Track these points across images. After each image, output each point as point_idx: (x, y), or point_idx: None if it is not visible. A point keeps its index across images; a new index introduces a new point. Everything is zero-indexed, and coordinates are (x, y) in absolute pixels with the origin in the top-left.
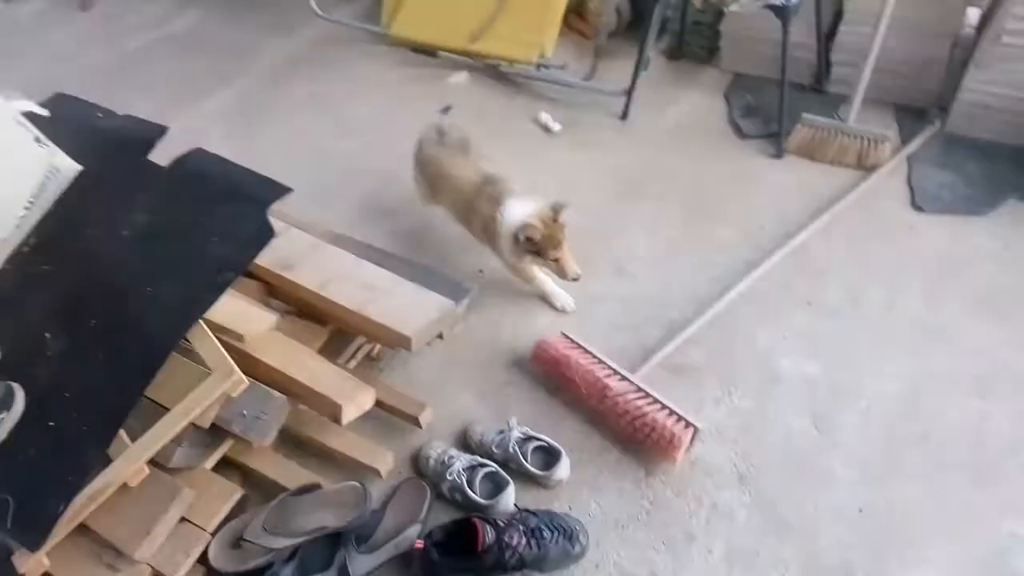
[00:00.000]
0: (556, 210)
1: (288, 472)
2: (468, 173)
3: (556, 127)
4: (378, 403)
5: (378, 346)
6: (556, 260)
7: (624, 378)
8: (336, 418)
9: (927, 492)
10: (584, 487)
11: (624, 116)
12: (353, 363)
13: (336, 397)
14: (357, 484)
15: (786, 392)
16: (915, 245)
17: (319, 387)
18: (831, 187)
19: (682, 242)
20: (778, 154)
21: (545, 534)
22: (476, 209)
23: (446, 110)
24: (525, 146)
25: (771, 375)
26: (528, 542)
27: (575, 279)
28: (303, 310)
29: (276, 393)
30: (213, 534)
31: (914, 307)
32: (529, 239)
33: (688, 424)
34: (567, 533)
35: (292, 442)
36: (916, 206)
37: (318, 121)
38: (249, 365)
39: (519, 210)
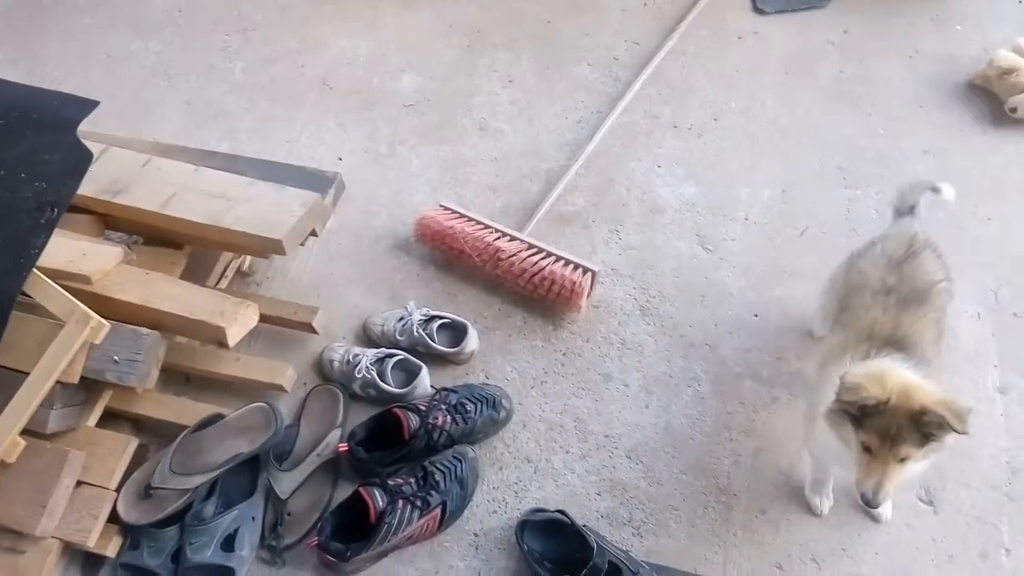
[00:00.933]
0: (956, 416)
1: (183, 410)
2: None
3: None
4: (264, 318)
5: (248, 259)
6: (869, 452)
7: (514, 238)
8: (221, 342)
9: (812, 284)
10: (496, 354)
11: None
12: (225, 282)
13: (215, 320)
14: (263, 404)
15: (670, 219)
16: (763, 49)
17: (193, 313)
18: (676, 4)
19: (541, 88)
20: None
21: (468, 407)
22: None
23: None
24: (353, 12)
25: (653, 206)
26: (453, 418)
27: (869, 504)
28: (152, 236)
29: (145, 330)
30: (118, 490)
31: (772, 111)
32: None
33: (585, 270)
34: (489, 401)
35: (180, 379)
36: (758, 9)
37: (108, 21)
38: (106, 307)
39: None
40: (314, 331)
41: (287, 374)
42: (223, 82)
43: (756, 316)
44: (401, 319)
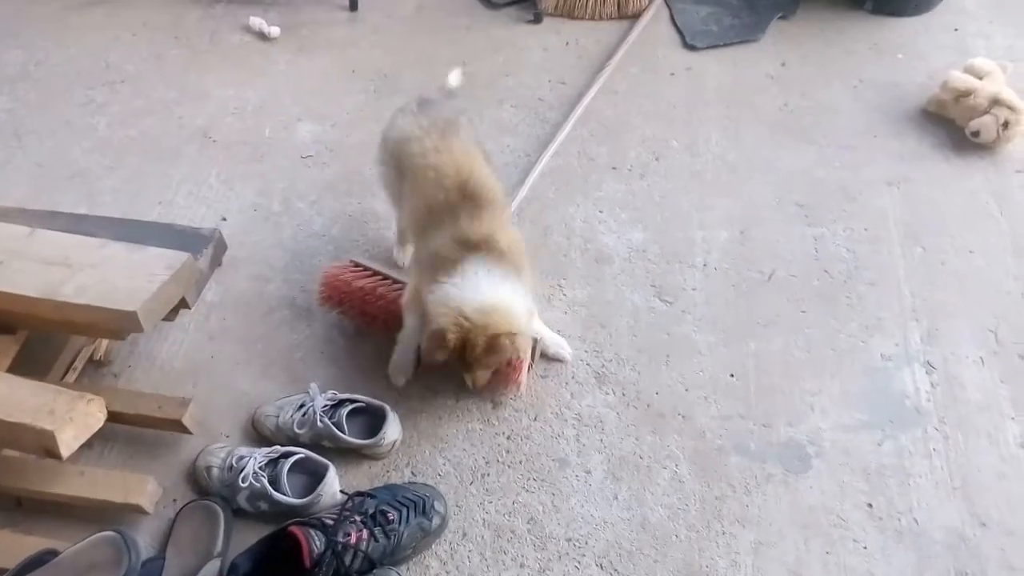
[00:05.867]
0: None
1: (9, 547)
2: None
3: (274, 31)
4: (118, 416)
5: (104, 345)
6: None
7: None
8: (51, 451)
9: (790, 335)
10: (424, 443)
11: (353, 6)
12: (73, 375)
13: (40, 422)
14: (111, 532)
15: (619, 269)
16: (698, 85)
17: (12, 415)
18: (600, 43)
19: None
20: (536, 19)
21: (391, 516)
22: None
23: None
24: (240, 59)
25: (598, 255)
26: (371, 533)
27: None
28: None
29: None
30: None
31: (717, 147)
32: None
33: None
34: (418, 506)
35: (10, 503)
36: (688, 46)
37: None
38: None
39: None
40: (186, 430)
41: (147, 490)
42: (84, 140)
43: (732, 376)
44: (301, 407)
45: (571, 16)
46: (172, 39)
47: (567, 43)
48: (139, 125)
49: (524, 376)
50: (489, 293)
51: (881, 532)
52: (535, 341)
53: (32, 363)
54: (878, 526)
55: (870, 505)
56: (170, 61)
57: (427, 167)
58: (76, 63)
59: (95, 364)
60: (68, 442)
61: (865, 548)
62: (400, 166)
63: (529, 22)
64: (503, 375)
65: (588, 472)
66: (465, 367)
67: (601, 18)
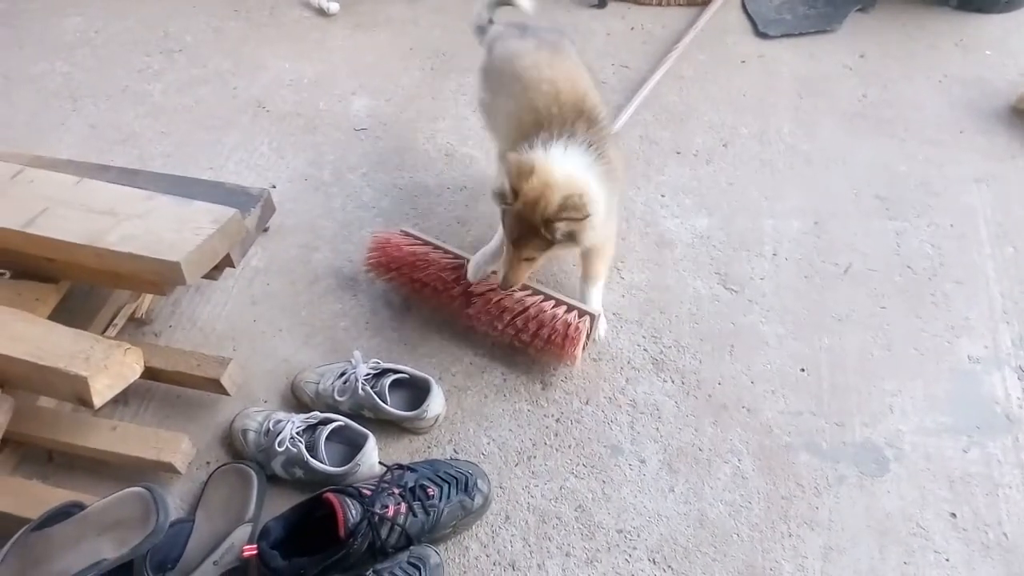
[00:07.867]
0: (575, 210)
1: (34, 498)
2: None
3: (333, 7)
4: (156, 373)
5: (147, 302)
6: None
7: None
8: (83, 399)
9: (867, 332)
10: (469, 420)
11: None
12: (113, 332)
13: (75, 367)
14: (139, 489)
15: (681, 255)
16: (771, 73)
17: (44, 359)
18: (667, 29)
19: None
20: (601, 4)
21: (431, 491)
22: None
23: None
24: (298, 34)
25: (659, 239)
26: (410, 507)
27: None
28: (23, 268)
29: None
30: None
31: (790, 137)
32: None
33: (582, 312)
34: (460, 483)
35: (41, 457)
36: (761, 34)
37: (13, 41)
38: None
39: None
40: (223, 391)
41: (180, 448)
42: (138, 105)
43: (803, 371)
44: (343, 374)
45: (637, 2)
46: (231, 12)
47: (632, 28)
48: (194, 93)
49: (579, 351)
50: (580, 168)
51: (966, 544)
52: (594, 317)
53: (72, 317)
54: (962, 538)
55: (953, 515)
56: (228, 33)
57: (541, 80)
58: (135, 32)
59: (136, 322)
60: (101, 391)
61: (947, 560)
62: (506, 84)
63: (593, 6)
64: (557, 348)
65: (642, 461)
66: (536, 221)
67: (669, 4)
